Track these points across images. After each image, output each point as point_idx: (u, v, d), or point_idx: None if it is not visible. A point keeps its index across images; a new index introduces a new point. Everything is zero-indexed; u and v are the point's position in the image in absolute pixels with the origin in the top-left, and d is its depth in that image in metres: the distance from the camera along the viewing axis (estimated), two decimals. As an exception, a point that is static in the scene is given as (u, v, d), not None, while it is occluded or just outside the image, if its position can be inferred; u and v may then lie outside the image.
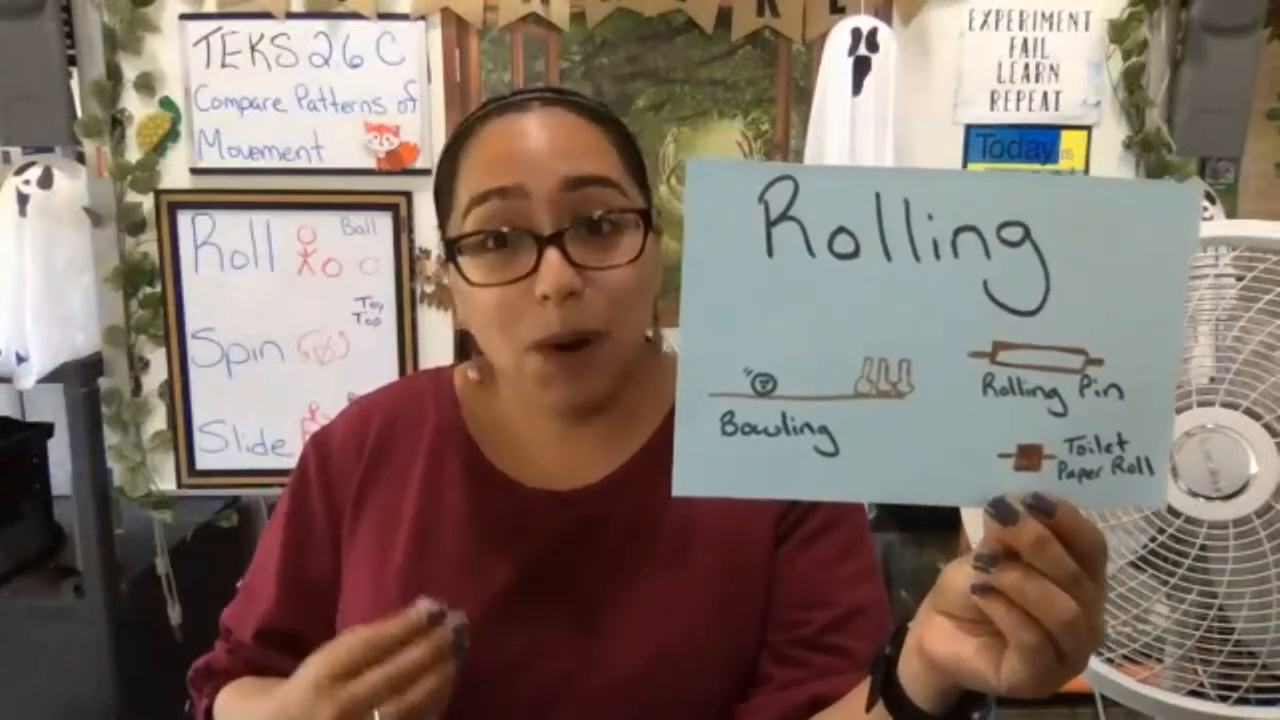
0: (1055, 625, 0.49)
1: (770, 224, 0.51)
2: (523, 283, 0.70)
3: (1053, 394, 0.52)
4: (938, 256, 0.51)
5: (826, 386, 0.52)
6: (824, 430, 0.52)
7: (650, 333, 0.82)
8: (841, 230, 0.51)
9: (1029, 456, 0.53)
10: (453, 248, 0.73)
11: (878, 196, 0.51)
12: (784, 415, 0.52)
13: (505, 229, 0.70)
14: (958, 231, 0.51)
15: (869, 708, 0.60)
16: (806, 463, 0.53)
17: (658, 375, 0.82)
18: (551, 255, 0.69)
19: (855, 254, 0.51)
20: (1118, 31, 1.76)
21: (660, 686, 0.75)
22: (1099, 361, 0.52)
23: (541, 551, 0.78)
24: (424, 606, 0.65)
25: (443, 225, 0.78)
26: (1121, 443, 0.53)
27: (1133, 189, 0.54)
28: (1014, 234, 0.51)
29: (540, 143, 0.71)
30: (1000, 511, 0.50)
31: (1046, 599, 0.49)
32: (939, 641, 0.54)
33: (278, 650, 0.82)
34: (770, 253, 0.51)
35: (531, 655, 0.76)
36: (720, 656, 0.76)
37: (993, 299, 0.51)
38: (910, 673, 0.57)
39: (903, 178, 0.52)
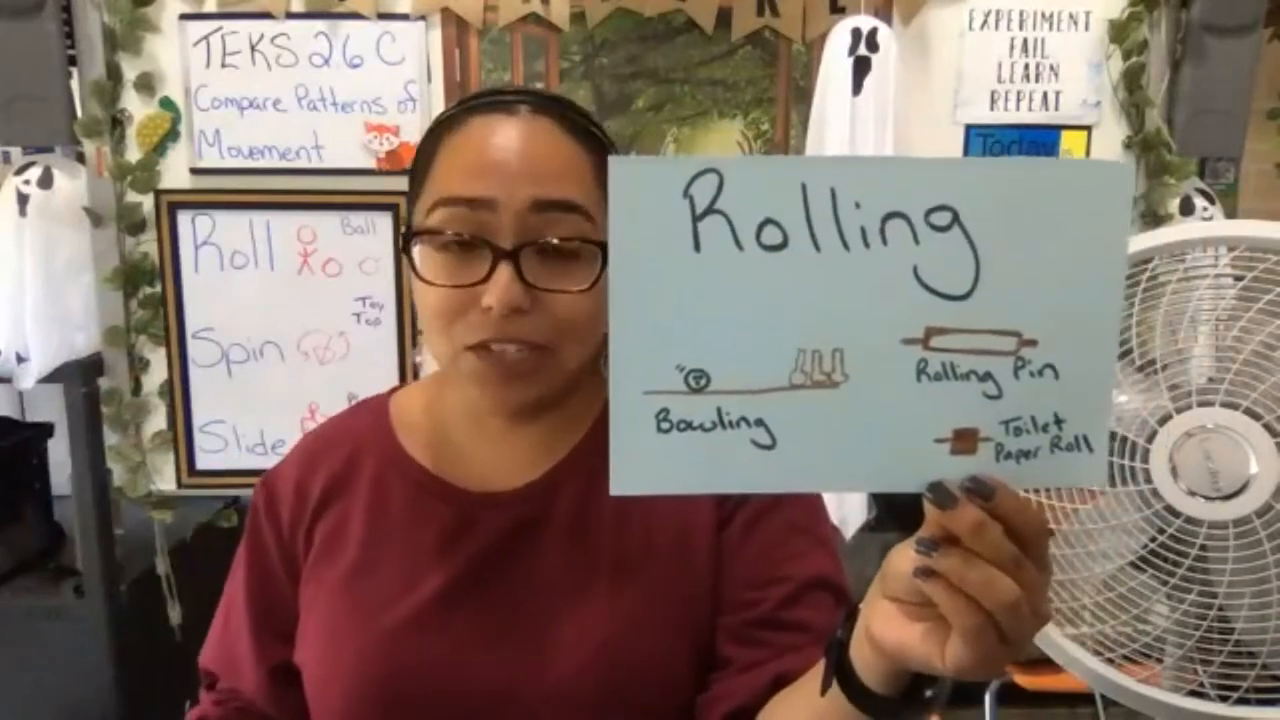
0: (996, 608, 0.50)
1: (696, 218, 0.50)
2: (472, 289, 0.71)
3: (987, 377, 0.52)
4: (866, 244, 0.51)
5: (761, 379, 0.52)
6: (760, 423, 0.52)
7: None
8: (769, 222, 0.50)
9: (965, 440, 0.53)
10: (411, 238, 0.75)
11: (804, 186, 0.50)
12: (719, 410, 0.52)
13: (465, 235, 0.72)
14: (886, 218, 0.50)
15: (824, 691, 0.61)
16: (744, 457, 0.53)
17: (598, 377, 0.83)
18: (503, 270, 0.70)
19: (784, 245, 0.50)
20: (1118, 31, 1.76)
21: (610, 681, 0.75)
22: (1033, 343, 0.52)
23: (484, 553, 0.79)
24: None
25: (409, 213, 0.79)
26: (1059, 422, 0.53)
27: (1061, 168, 0.54)
28: (942, 219, 0.51)
29: (516, 158, 0.72)
30: (938, 496, 0.51)
31: (986, 582, 0.50)
32: (886, 627, 0.55)
33: (286, 686, 0.84)
34: (698, 247, 0.50)
35: (474, 658, 0.76)
36: (670, 645, 0.77)
37: (923, 285, 0.51)
38: (862, 657, 0.58)
39: (828, 166, 0.51)
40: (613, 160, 0.50)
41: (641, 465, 0.53)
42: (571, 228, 0.72)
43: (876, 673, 0.57)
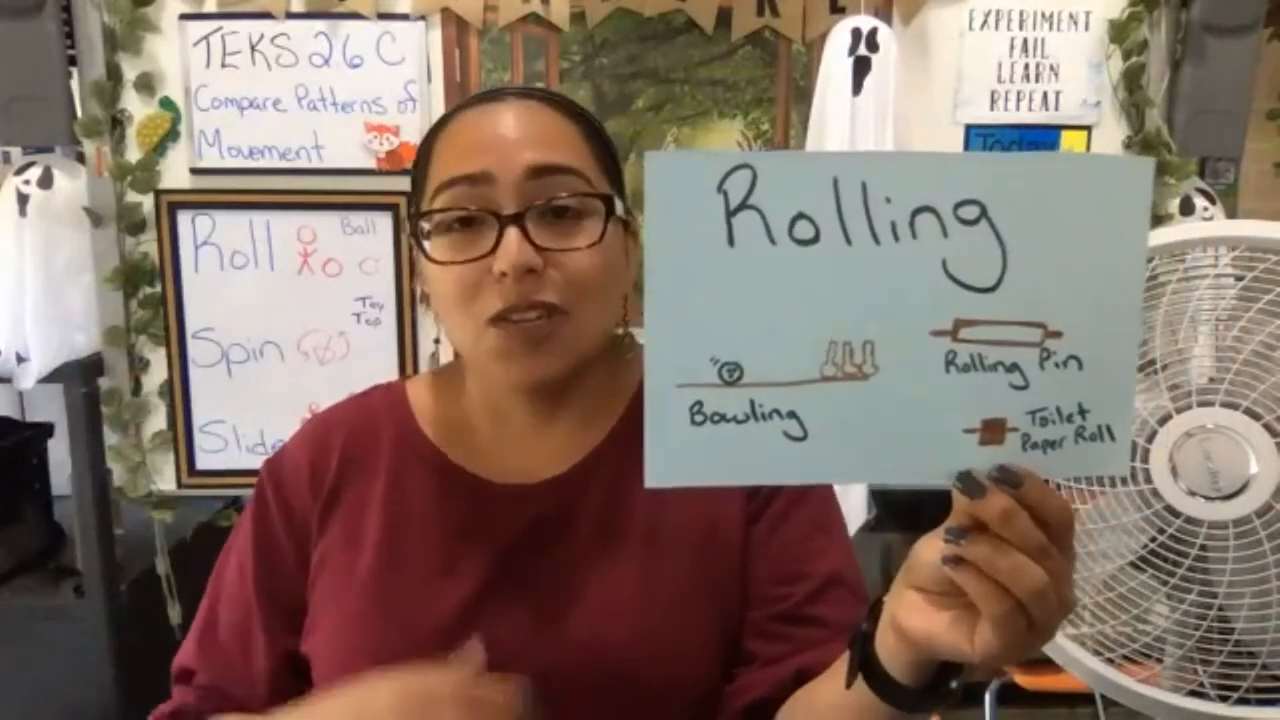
0: (1025, 594, 0.51)
1: (730, 213, 0.51)
2: (484, 261, 0.72)
3: (1014, 368, 0.53)
4: (896, 238, 0.52)
5: (793, 372, 0.53)
6: (792, 415, 0.53)
7: (620, 329, 0.83)
8: (801, 216, 0.51)
9: (993, 431, 0.54)
10: (419, 228, 0.75)
11: (835, 181, 0.51)
12: (752, 402, 0.53)
13: (470, 208, 0.73)
14: (915, 212, 0.51)
15: (849, 684, 0.62)
16: (776, 448, 0.53)
17: (623, 368, 0.83)
18: (510, 233, 0.71)
19: (815, 239, 0.51)
20: (1118, 31, 1.76)
21: (641, 672, 0.75)
22: (1058, 334, 0.53)
23: (513, 547, 0.78)
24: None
25: (415, 209, 0.79)
26: (1083, 412, 0.54)
27: (1085, 163, 0.56)
28: (970, 212, 0.52)
29: (509, 132, 0.74)
30: (967, 485, 0.52)
31: (1016, 569, 0.51)
32: (912, 616, 0.56)
33: (291, 675, 0.82)
34: (731, 242, 0.51)
35: (510, 653, 0.75)
36: (701, 638, 0.77)
37: (952, 277, 0.52)
38: (887, 648, 0.59)
39: (859, 161, 0.52)
40: (649, 155, 0.50)
41: (676, 458, 0.54)
42: (570, 188, 0.73)
43: (901, 663, 0.58)
